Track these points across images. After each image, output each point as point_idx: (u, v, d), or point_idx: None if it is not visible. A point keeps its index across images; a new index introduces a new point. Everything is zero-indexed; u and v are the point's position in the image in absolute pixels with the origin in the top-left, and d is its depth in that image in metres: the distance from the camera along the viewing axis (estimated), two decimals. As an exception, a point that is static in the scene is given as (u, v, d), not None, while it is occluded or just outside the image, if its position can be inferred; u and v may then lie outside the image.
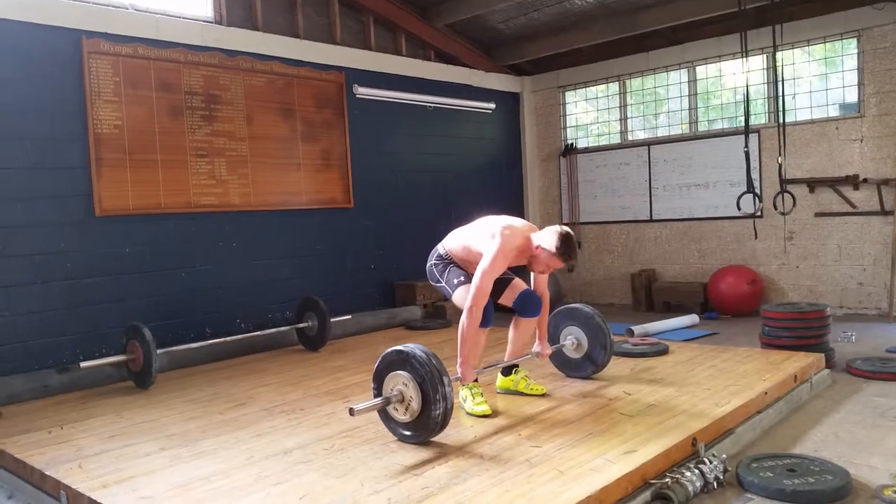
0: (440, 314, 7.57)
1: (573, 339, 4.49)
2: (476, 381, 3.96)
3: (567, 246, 3.76)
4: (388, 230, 7.73)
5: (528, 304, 4.13)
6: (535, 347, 4.30)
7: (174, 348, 5.44)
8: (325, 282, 7.03)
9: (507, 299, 4.14)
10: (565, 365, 4.60)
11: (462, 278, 3.97)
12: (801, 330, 5.06)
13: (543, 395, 4.17)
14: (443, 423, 3.31)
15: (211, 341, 5.75)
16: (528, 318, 4.18)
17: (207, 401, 4.56)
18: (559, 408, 3.92)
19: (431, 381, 3.26)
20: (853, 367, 4.88)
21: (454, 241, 4.13)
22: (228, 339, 5.86)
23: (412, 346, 3.40)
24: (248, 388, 4.86)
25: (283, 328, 6.28)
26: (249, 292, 6.50)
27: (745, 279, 7.52)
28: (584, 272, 9.30)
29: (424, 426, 3.33)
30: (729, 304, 7.53)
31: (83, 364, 4.93)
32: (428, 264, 4.22)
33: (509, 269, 4.19)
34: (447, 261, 4.12)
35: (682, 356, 5.13)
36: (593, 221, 9.20)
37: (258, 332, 6.13)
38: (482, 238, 3.90)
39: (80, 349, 5.40)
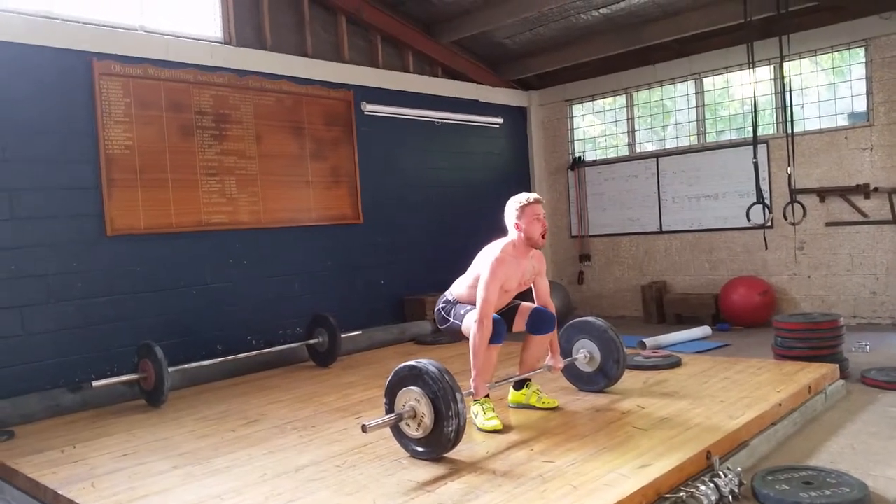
0: (450, 329, 7.55)
1: (586, 353, 4.47)
2: (488, 396, 3.96)
3: (520, 196, 3.98)
4: (397, 245, 7.75)
5: (540, 322, 4.15)
6: (548, 361, 4.29)
7: (186, 366, 5.44)
8: (335, 298, 7.04)
9: (518, 325, 4.18)
10: (578, 378, 4.58)
11: (469, 307, 3.98)
12: (815, 340, 5.02)
13: (556, 409, 4.16)
14: (455, 439, 3.29)
15: (222, 359, 5.76)
16: (541, 336, 4.19)
17: (219, 418, 4.56)
18: (572, 422, 3.90)
19: (444, 398, 3.25)
20: (868, 378, 4.83)
21: (459, 287, 4.18)
22: (239, 356, 5.87)
23: (425, 362, 3.39)
24: (259, 405, 4.86)
25: (293, 345, 6.28)
26: (260, 309, 6.51)
27: (757, 290, 7.47)
28: (595, 285, 9.27)
29: (437, 442, 3.32)
30: (741, 316, 7.49)
31: (95, 383, 4.96)
32: (436, 309, 4.28)
33: (516, 297, 4.20)
34: (454, 302, 4.17)
35: (694, 368, 5.09)
36: (603, 234, 9.18)
37: (269, 349, 6.14)
38: (479, 270, 3.95)
39: (93, 368, 5.42)
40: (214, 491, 3.19)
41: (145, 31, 6.01)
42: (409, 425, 3.41)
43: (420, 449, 3.39)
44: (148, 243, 5.83)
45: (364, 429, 3.31)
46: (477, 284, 3.94)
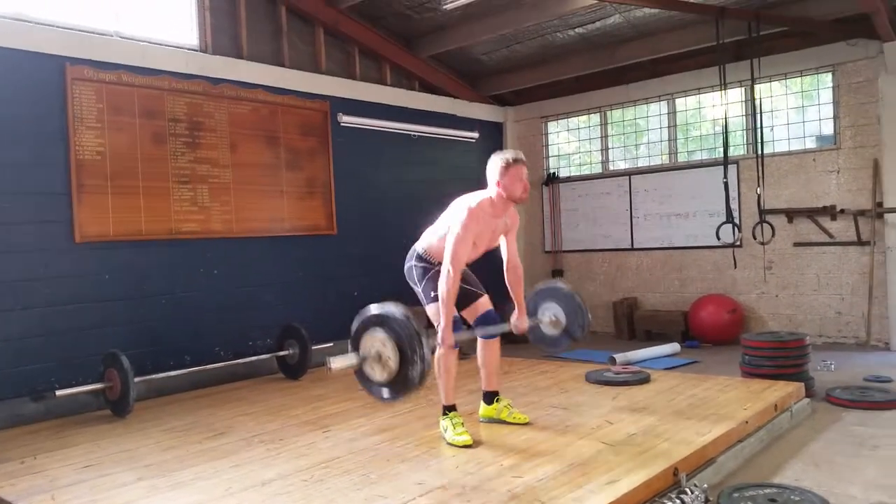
0: (423, 342, 7.53)
1: (552, 315, 4.46)
2: (455, 410, 3.94)
3: (504, 153, 3.95)
4: (371, 257, 7.71)
5: (483, 324, 4.10)
6: (513, 320, 4.22)
7: (153, 376, 5.37)
8: (308, 309, 6.98)
9: (469, 315, 4.12)
10: (542, 341, 4.58)
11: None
12: (781, 359, 5.10)
13: (526, 424, 4.16)
14: (420, 382, 3.29)
15: (190, 369, 5.69)
16: (491, 340, 4.16)
17: (185, 430, 4.49)
18: (541, 437, 3.90)
19: (410, 342, 3.24)
20: (832, 396, 4.91)
21: (430, 238, 4.09)
22: (208, 367, 5.80)
23: (390, 306, 3.38)
24: (226, 417, 4.80)
25: (263, 356, 6.22)
26: (230, 320, 6.44)
27: (726, 308, 7.57)
28: (567, 300, 9.31)
29: (402, 384, 3.31)
30: (710, 333, 7.57)
31: (59, 392, 4.86)
32: (407, 264, 4.17)
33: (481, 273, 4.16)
34: (426, 263, 4.05)
35: (663, 385, 5.14)
36: (576, 250, 9.25)
37: (238, 360, 6.08)
38: (452, 221, 3.88)
39: (57, 377, 5.30)
40: (179, 504, 3.14)
41: (120, 37, 5.95)
42: (373, 369, 3.38)
43: (386, 393, 3.38)
44: (117, 251, 5.74)
45: (329, 368, 3.30)
46: (444, 239, 3.88)
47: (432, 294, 3.91)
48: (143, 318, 5.86)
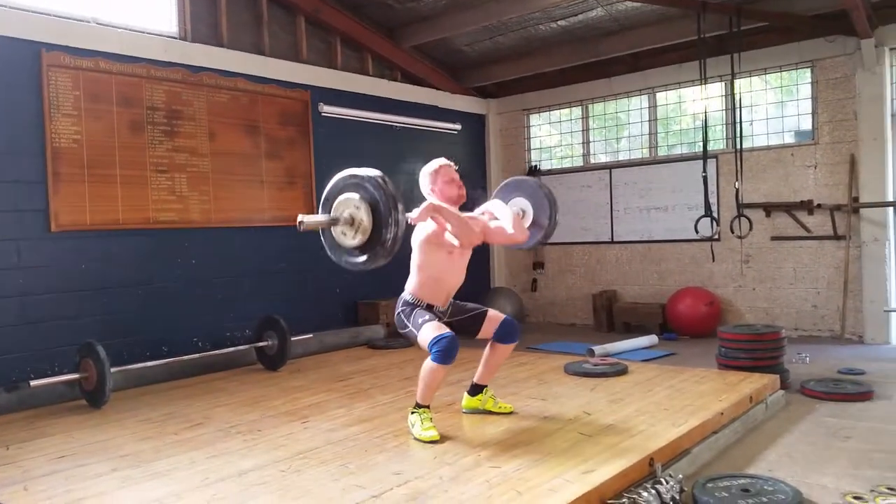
0: (403, 334, 7.53)
1: (519, 210, 4.41)
2: (428, 409, 3.88)
3: (429, 164, 4.02)
4: (351, 249, 7.70)
5: (508, 332, 4.08)
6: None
7: (129, 367, 5.32)
8: (287, 300, 6.96)
9: (486, 332, 4.08)
10: None
11: (427, 317, 3.83)
12: (757, 351, 5.15)
13: (509, 414, 4.17)
14: (392, 247, 3.26)
15: (167, 360, 5.64)
16: (507, 345, 4.13)
17: (162, 421, 4.46)
18: (519, 428, 3.92)
19: (385, 203, 3.20)
20: (807, 388, 4.98)
21: (410, 279, 4.02)
22: (185, 357, 5.75)
23: (365, 170, 3.33)
24: (204, 407, 4.77)
25: (242, 347, 6.19)
26: (208, 310, 6.39)
27: (703, 301, 7.64)
28: (547, 292, 9.36)
29: (374, 249, 3.26)
30: (687, 325, 7.64)
31: (34, 382, 4.80)
32: (395, 312, 4.06)
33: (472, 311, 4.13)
34: (414, 304, 3.95)
35: (641, 376, 5.18)
36: (556, 242, 9.25)
37: (216, 351, 6.03)
38: (416, 240, 3.91)
39: (33, 367, 5.24)
40: (154, 495, 3.12)
41: (98, 24, 5.87)
42: (345, 234, 3.33)
43: (358, 257, 3.33)
44: (94, 240, 5.68)
45: (299, 223, 3.24)
46: (420, 262, 3.89)
47: (419, 321, 3.83)
48: (120, 308, 5.81)
